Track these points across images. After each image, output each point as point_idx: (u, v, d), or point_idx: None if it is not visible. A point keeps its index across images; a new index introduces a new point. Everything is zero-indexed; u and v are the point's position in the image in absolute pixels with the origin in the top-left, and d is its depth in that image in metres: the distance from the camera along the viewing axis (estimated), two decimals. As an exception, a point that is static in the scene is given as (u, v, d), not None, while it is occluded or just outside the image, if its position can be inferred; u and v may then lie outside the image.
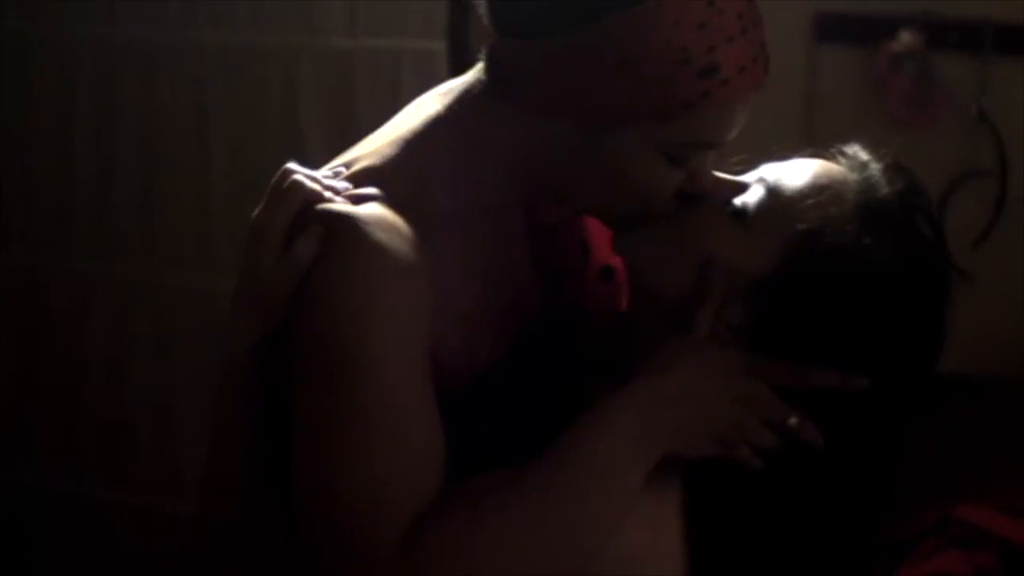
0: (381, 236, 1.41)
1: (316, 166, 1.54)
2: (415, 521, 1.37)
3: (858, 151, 1.50)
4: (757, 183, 1.49)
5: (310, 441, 1.41)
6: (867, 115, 3.37)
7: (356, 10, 3.28)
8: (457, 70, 3.20)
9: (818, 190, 1.47)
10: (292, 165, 1.49)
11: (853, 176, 1.48)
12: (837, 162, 1.50)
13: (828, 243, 1.43)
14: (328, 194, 1.45)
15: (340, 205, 1.44)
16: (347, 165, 1.51)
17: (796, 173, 1.49)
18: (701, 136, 1.44)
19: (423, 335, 1.42)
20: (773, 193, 1.48)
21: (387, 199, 1.45)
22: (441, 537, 1.36)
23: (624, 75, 1.39)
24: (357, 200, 1.44)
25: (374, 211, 1.43)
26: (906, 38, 3.30)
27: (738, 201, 1.47)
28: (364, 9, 3.27)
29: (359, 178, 1.48)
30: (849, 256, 1.43)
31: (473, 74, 1.52)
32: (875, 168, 1.49)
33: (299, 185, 1.45)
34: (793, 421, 1.40)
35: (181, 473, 3.54)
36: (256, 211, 1.48)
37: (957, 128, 3.33)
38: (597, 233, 1.60)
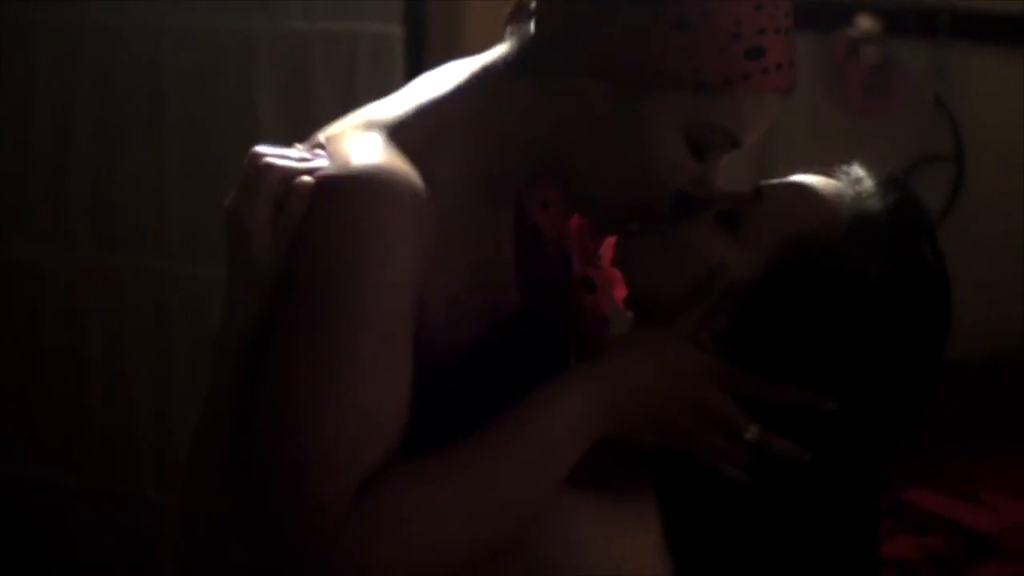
0: (380, 183, 1.40)
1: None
2: (362, 485, 1.36)
3: (856, 168, 1.50)
4: (751, 194, 1.49)
5: (276, 389, 1.39)
6: (825, 101, 3.38)
7: (313, -8, 3.28)
8: (414, 54, 3.22)
9: (808, 202, 1.47)
10: (260, 148, 1.48)
11: (846, 190, 1.48)
12: (837, 179, 1.50)
13: (813, 254, 1.43)
14: (303, 165, 1.44)
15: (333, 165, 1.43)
16: (329, 139, 1.49)
17: (789, 185, 1.49)
18: (726, 122, 1.45)
19: (411, 294, 1.41)
20: (764, 203, 1.48)
21: (399, 149, 1.44)
22: (383, 504, 1.35)
23: (676, 36, 1.41)
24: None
25: (378, 159, 1.42)
26: (864, 24, 3.31)
27: (730, 210, 1.47)
28: (321, -9, 3.27)
29: (372, 129, 1.47)
30: (833, 267, 1.42)
31: (496, 51, 1.51)
32: (869, 183, 1.48)
33: (271, 166, 1.45)
34: (751, 434, 1.40)
35: (138, 457, 3.53)
36: (228, 200, 1.46)
37: (914, 113, 3.34)
38: (580, 246, 1.60)
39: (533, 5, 1.48)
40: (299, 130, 1.57)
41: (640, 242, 1.51)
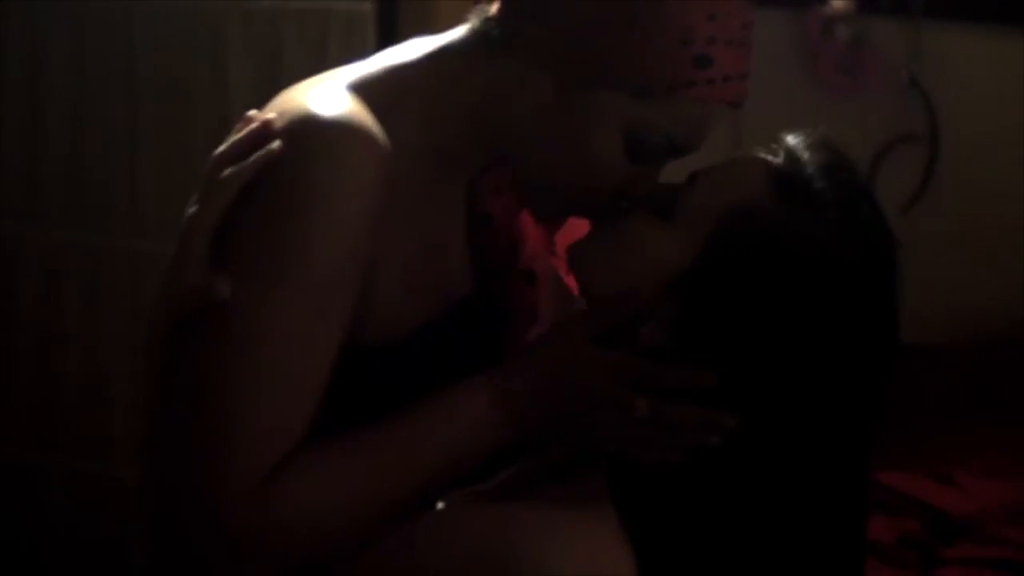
0: (346, 131, 1.39)
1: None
2: (271, 468, 1.35)
3: (786, 136, 1.49)
4: (685, 181, 1.48)
5: (190, 364, 1.38)
6: (798, 80, 3.37)
7: (284, -29, 3.26)
8: (385, 31, 3.21)
9: (737, 175, 1.46)
10: (221, 150, 1.45)
11: (775, 158, 1.46)
12: (769, 152, 1.49)
13: (745, 223, 1.42)
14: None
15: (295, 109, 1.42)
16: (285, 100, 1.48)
17: (719, 164, 1.49)
18: (668, 127, 1.44)
19: (360, 258, 1.40)
20: (695, 185, 1.47)
21: (367, 103, 1.43)
22: (288, 489, 1.35)
23: (626, 34, 1.40)
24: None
25: (343, 108, 1.41)
26: (838, 2, 3.30)
27: (665, 199, 1.47)
28: (292, -30, 3.26)
29: (351, 82, 1.46)
30: (766, 233, 1.41)
31: (459, 30, 1.51)
32: (798, 148, 1.47)
33: (230, 181, 1.41)
34: (640, 409, 1.39)
35: (113, 437, 3.52)
36: (191, 209, 1.43)
37: (888, 93, 3.34)
38: (531, 236, 1.60)
39: None
40: (271, 108, 1.56)
41: (585, 239, 1.51)
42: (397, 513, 1.39)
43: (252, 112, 1.46)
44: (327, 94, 1.44)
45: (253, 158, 1.40)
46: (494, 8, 1.48)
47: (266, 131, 1.41)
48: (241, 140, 1.43)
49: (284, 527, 1.35)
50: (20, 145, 3.52)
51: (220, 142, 1.47)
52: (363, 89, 1.45)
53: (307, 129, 1.40)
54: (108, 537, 3.52)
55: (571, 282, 1.58)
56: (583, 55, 1.41)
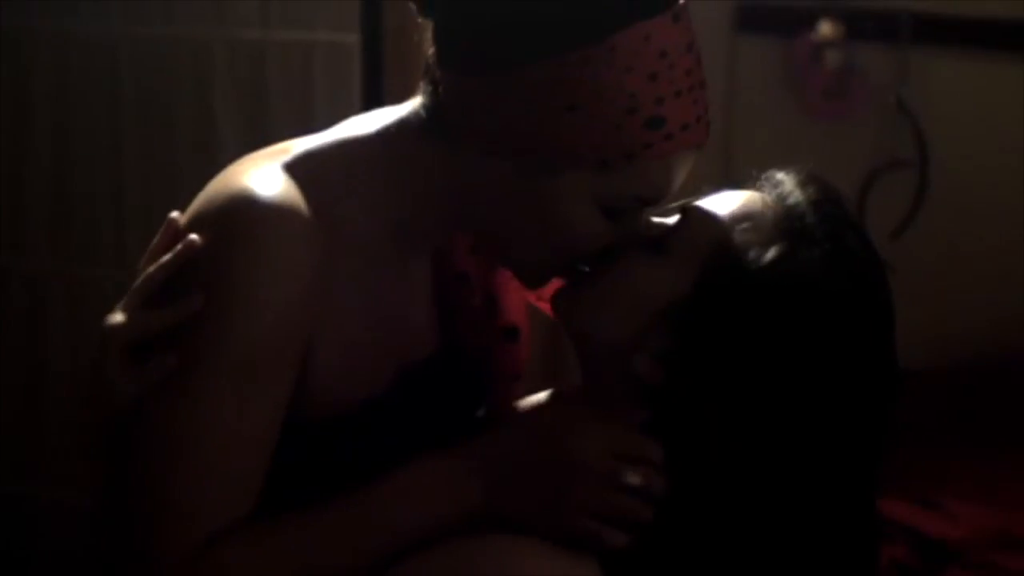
0: (259, 218, 1.37)
1: (228, 157, 1.49)
2: (210, 537, 1.36)
3: (774, 172, 1.49)
4: (677, 217, 1.48)
5: (136, 436, 1.39)
6: (787, 106, 3.38)
7: (269, 2, 3.25)
8: (370, 63, 3.20)
9: (730, 208, 1.46)
10: (173, 215, 1.44)
11: (765, 193, 1.47)
12: (758, 187, 1.49)
13: (738, 256, 1.41)
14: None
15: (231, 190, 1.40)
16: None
17: (711, 199, 1.48)
18: (637, 190, 1.42)
19: (293, 344, 1.40)
20: (688, 218, 1.46)
21: (308, 181, 1.41)
22: (224, 559, 1.36)
23: (570, 117, 1.37)
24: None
25: (271, 190, 1.39)
26: (826, 28, 3.31)
27: (658, 236, 1.46)
28: (277, 1, 3.25)
29: (293, 158, 1.44)
30: (759, 266, 1.41)
31: (411, 104, 1.47)
32: (788, 182, 1.47)
33: (148, 278, 1.42)
34: (633, 480, 1.39)
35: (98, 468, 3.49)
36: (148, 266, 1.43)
37: (877, 118, 3.34)
38: (507, 291, 1.58)
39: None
40: (257, 139, 1.55)
41: (575, 290, 1.49)
42: None
43: (175, 214, 1.45)
44: (259, 174, 1.41)
45: (171, 253, 1.40)
46: (440, 91, 1.44)
47: (178, 228, 1.41)
48: (162, 240, 1.43)
49: None
50: (4, 175, 3.51)
51: (204, 173, 1.46)
52: (310, 166, 1.44)
53: (231, 211, 1.39)
54: (92, 569, 3.50)
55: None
56: (533, 143, 1.38)
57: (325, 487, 1.40)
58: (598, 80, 1.36)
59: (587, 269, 1.48)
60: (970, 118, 3.30)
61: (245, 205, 1.38)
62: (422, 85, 1.46)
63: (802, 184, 1.47)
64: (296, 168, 1.43)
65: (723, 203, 1.47)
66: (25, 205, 3.51)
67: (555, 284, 1.52)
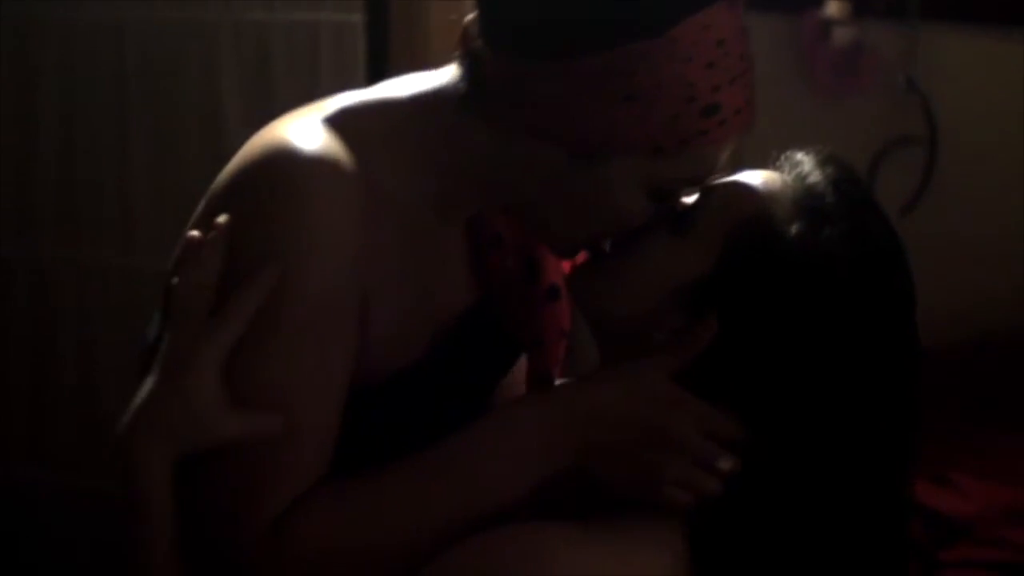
0: (317, 166, 1.37)
1: (236, 139, 1.49)
2: (290, 505, 1.36)
3: (793, 153, 1.49)
4: (697, 196, 1.48)
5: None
6: (796, 84, 3.37)
7: (274, -18, 3.26)
8: (375, 43, 3.20)
9: (750, 188, 1.46)
10: (192, 234, 1.42)
11: (785, 172, 1.48)
12: (777, 167, 1.50)
13: (759, 234, 1.42)
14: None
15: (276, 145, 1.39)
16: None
17: (731, 179, 1.48)
18: (686, 174, 1.42)
19: (354, 293, 1.39)
20: (709, 196, 1.47)
21: (346, 136, 1.40)
22: (308, 526, 1.35)
23: (627, 107, 1.36)
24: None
25: (319, 143, 1.38)
26: (834, 6, 3.30)
27: (679, 216, 1.46)
28: (282, -19, 3.26)
29: (330, 113, 1.43)
30: (779, 244, 1.41)
31: (446, 74, 1.45)
32: (807, 162, 1.47)
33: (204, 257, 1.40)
34: (726, 464, 1.38)
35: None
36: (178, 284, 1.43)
37: (885, 96, 3.33)
38: (547, 252, 1.57)
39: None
40: (263, 120, 1.54)
41: (595, 267, 1.49)
42: (434, 545, 1.36)
43: (194, 232, 1.42)
44: (297, 127, 1.41)
45: (211, 234, 1.39)
46: (481, 67, 1.41)
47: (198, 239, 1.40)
48: (187, 244, 1.41)
49: (297, 561, 1.36)
50: (11, 161, 3.52)
51: (211, 155, 1.46)
52: (347, 122, 1.43)
53: (274, 164, 1.38)
54: (101, 554, 3.51)
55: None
56: (587, 130, 1.37)
57: (368, 453, 1.39)
58: (658, 71, 1.35)
59: (608, 247, 1.48)
60: (979, 95, 3.29)
61: (287, 157, 1.37)
62: (459, 57, 1.44)
63: (821, 164, 1.47)
64: (334, 122, 1.42)
65: (743, 182, 1.47)
66: (31, 191, 3.52)
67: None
